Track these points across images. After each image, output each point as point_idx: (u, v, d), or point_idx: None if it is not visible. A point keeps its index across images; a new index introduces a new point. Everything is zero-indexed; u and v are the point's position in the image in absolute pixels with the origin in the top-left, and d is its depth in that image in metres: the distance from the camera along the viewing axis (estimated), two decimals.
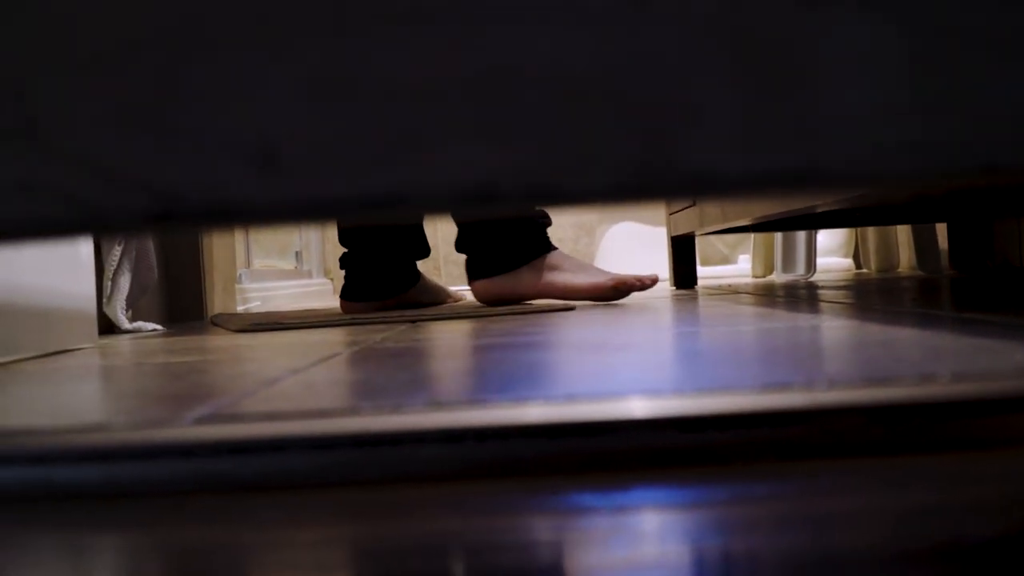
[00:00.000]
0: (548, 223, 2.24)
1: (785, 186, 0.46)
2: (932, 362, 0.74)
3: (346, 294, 2.33)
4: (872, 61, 0.47)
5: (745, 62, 0.46)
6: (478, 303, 2.26)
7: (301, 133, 0.45)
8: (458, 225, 2.26)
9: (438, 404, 0.62)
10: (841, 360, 0.84)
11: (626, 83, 0.44)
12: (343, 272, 2.35)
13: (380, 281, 2.33)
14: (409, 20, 0.44)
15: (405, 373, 0.90)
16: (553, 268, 2.19)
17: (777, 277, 3.64)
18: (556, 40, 0.45)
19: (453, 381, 0.82)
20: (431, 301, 2.43)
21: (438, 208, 0.45)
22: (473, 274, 2.24)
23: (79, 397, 0.89)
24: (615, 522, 0.50)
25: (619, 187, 0.44)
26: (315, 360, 1.07)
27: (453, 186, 0.45)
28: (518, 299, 2.20)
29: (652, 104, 0.45)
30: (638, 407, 0.59)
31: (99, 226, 0.45)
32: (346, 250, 2.36)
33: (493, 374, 0.86)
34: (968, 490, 0.53)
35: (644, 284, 2.16)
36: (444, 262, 5.04)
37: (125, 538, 0.53)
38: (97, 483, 0.59)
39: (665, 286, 2.99)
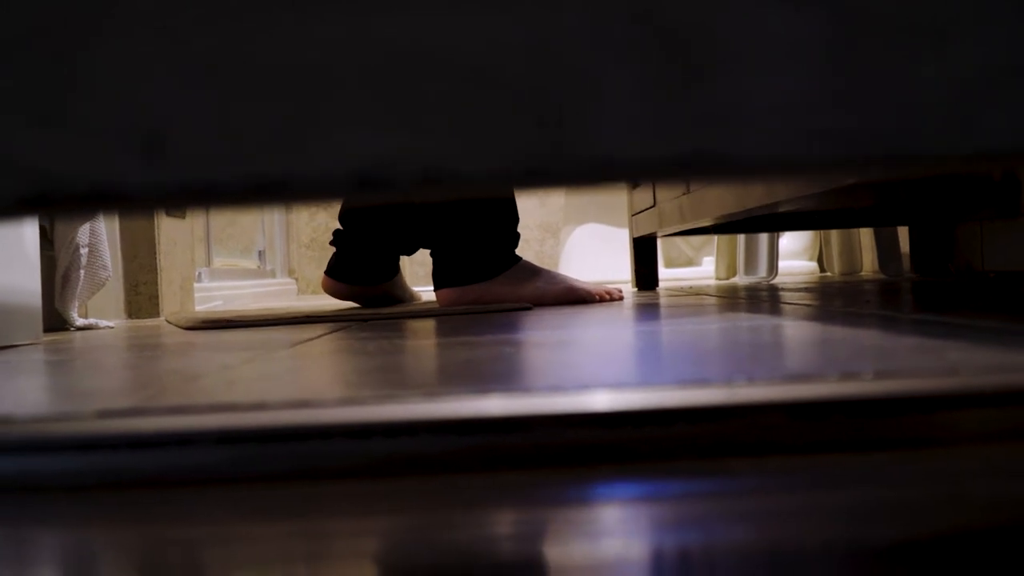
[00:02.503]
0: (518, 238, 2.23)
1: (690, 173, 0.45)
2: (861, 361, 0.73)
3: (331, 272, 2.37)
4: (783, 47, 0.46)
5: (649, 47, 0.44)
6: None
7: (187, 117, 0.43)
8: (430, 224, 2.24)
9: (349, 400, 0.61)
10: (771, 358, 0.83)
11: (524, 66, 0.43)
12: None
13: (364, 267, 2.36)
14: (299, 3, 0.43)
15: (332, 370, 0.89)
16: (521, 279, 2.15)
17: (740, 279, 3.64)
18: (451, 23, 0.43)
19: (375, 377, 0.81)
20: (400, 297, 2.45)
21: (329, 193, 0.44)
22: (440, 282, 2.20)
23: None
24: (530, 520, 0.49)
25: (516, 172, 0.43)
26: (250, 357, 1.05)
27: (344, 171, 0.43)
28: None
29: (550, 88, 0.43)
30: (551, 403, 0.58)
31: None
32: (341, 228, 2.40)
33: (416, 371, 0.85)
34: (884, 491, 0.52)
35: (612, 297, 2.16)
36: (410, 262, 5.03)
37: (20, 532, 0.52)
38: (1, 476, 0.58)
39: (626, 288, 2.97)
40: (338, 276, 2.36)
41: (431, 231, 2.24)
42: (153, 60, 0.44)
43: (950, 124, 0.46)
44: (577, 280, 2.22)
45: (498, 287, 2.15)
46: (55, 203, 0.43)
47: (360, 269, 2.36)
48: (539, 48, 0.43)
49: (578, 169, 0.44)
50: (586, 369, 0.81)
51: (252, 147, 0.44)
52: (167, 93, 0.44)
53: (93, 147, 0.43)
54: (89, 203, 0.43)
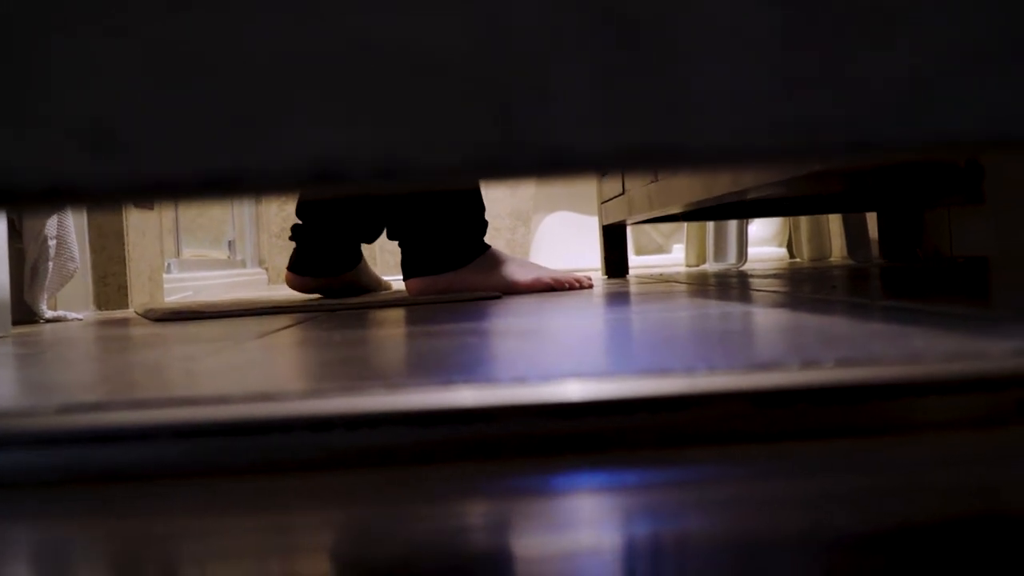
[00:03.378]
0: (486, 225, 2.23)
1: (646, 164, 0.45)
2: (826, 348, 0.73)
3: (293, 267, 2.37)
4: (738, 36, 0.46)
5: (605, 38, 0.44)
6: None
7: (137, 111, 0.43)
8: (396, 215, 2.23)
9: (311, 392, 0.61)
10: (736, 346, 0.83)
11: (477, 58, 0.43)
12: (293, 244, 2.39)
13: (326, 259, 2.35)
14: None
15: (295, 362, 0.88)
16: (491, 267, 2.16)
17: (709, 266, 3.64)
18: (405, 15, 0.43)
19: (337, 369, 0.80)
20: (366, 285, 2.46)
21: (283, 188, 0.43)
22: (409, 271, 2.19)
23: None
24: (493, 511, 0.49)
25: (470, 164, 0.43)
26: (214, 349, 1.05)
27: (298, 165, 0.43)
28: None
29: (504, 80, 0.43)
30: (515, 394, 0.58)
31: None
32: (300, 222, 2.39)
33: (380, 362, 0.85)
34: (847, 479, 0.52)
35: (582, 285, 2.16)
36: (380, 250, 5.01)
37: None
38: None
39: (596, 275, 2.97)
40: (300, 270, 2.36)
41: (397, 221, 2.23)
42: (102, 55, 0.43)
43: (904, 112, 0.46)
44: (546, 268, 2.22)
45: (467, 276, 2.14)
46: (14, 200, 0.43)
47: (321, 261, 2.36)
48: (490, 39, 0.43)
49: (532, 160, 0.44)
50: (552, 359, 0.81)
51: (204, 141, 0.43)
52: (116, 88, 0.43)
53: (48, 143, 0.43)
54: (47, 199, 0.43)
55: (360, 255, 2.43)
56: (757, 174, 1.37)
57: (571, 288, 2.14)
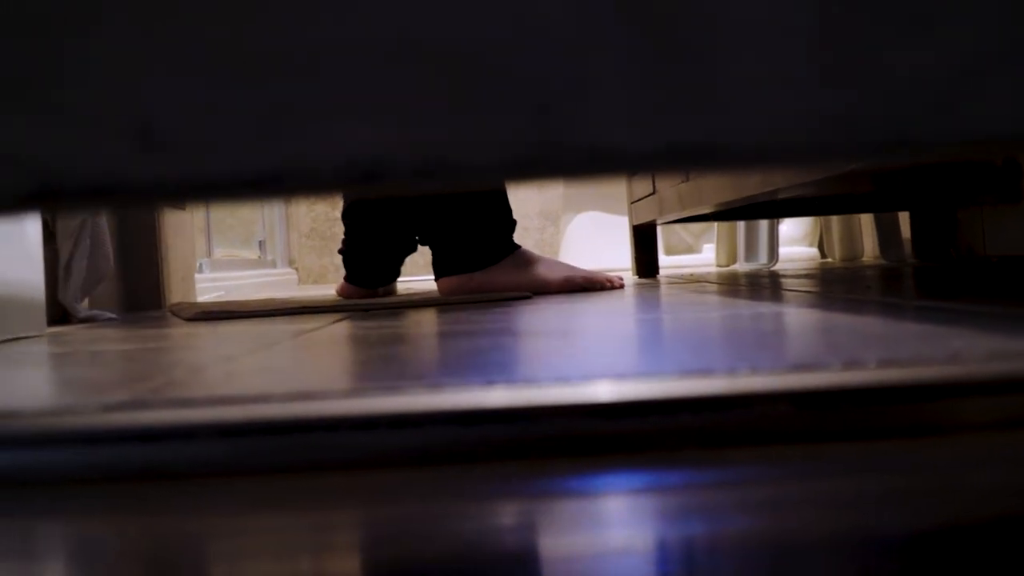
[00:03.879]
0: (514, 224, 2.25)
1: (686, 162, 0.45)
2: (865, 349, 0.73)
3: (351, 278, 2.48)
4: (776, 33, 0.45)
5: (642, 35, 0.44)
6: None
7: (182, 108, 0.43)
8: (426, 218, 2.28)
9: (354, 391, 0.61)
10: (775, 346, 0.83)
11: (516, 56, 0.43)
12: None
13: (374, 272, 2.46)
14: None
15: (335, 361, 0.89)
16: (522, 266, 2.17)
17: (740, 266, 3.63)
18: (444, 12, 0.43)
19: (377, 368, 0.81)
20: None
21: (326, 188, 0.44)
22: (440, 271, 2.23)
23: (1, 384, 0.87)
24: (535, 511, 0.49)
25: (510, 163, 0.43)
26: (252, 348, 1.05)
27: (340, 163, 0.43)
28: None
29: (542, 78, 0.43)
30: (556, 394, 0.58)
31: None
32: (348, 240, 2.50)
33: (419, 361, 0.85)
34: (888, 480, 0.52)
35: (613, 285, 2.15)
36: None
37: (26, 526, 0.52)
38: (4, 470, 0.58)
39: (627, 275, 2.97)
40: (352, 282, 2.48)
41: (427, 225, 2.27)
42: (147, 50, 0.44)
43: (944, 109, 0.46)
44: (577, 268, 2.22)
45: (498, 274, 2.16)
46: (56, 198, 0.43)
47: (368, 274, 2.47)
48: (527, 37, 0.43)
49: (570, 160, 0.44)
50: (589, 359, 0.81)
51: (249, 140, 0.43)
52: (161, 85, 0.44)
53: (92, 141, 0.43)
54: (89, 198, 0.43)
55: (399, 270, 2.52)
56: (789, 174, 1.36)
57: (602, 288, 2.13)
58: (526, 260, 2.19)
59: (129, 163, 0.43)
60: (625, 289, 2.13)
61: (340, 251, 2.53)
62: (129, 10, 0.44)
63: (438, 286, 2.23)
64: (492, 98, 0.43)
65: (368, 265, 2.47)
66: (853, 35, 0.45)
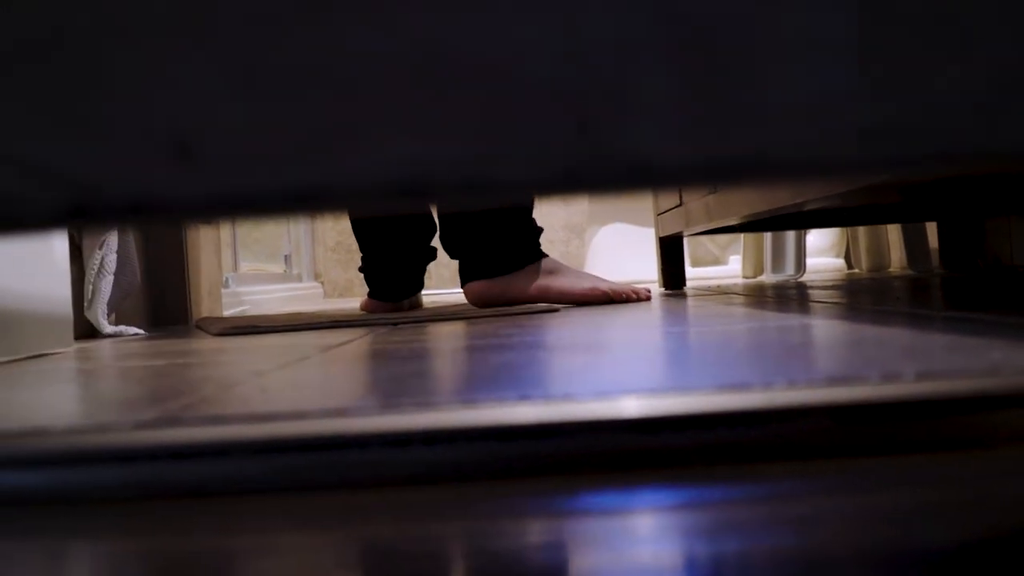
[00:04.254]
0: (540, 230, 2.27)
1: (730, 177, 0.44)
2: (900, 361, 0.72)
3: (374, 294, 2.52)
4: (821, 46, 0.45)
5: (685, 48, 0.44)
6: (470, 305, 2.25)
7: (221, 124, 0.43)
8: (450, 229, 2.30)
9: (387, 407, 0.60)
10: (808, 360, 0.82)
11: (559, 70, 0.43)
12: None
13: (395, 285, 2.50)
14: (330, 8, 0.42)
15: (366, 376, 0.88)
16: (548, 273, 2.19)
17: (767, 278, 3.62)
18: (487, 26, 0.43)
19: (409, 384, 0.80)
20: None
21: (368, 202, 0.43)
22: (467, 276, 2.24)
23: (31, 401, 0.87)
24: (569, 527, 0.49)
25: (553, 178, 0.43)
26: (282, 363, 1.05)
27: (383, 179, 0.43)
28: (511, 302, 2.18)
29: (586, 92, 0.43)
30: (591, 409, 0.57)
31: (12, 221, 0.43)
32: (364, 256, 2.55)
33: (450, 376, 0.84)
34: (927, 494, 0.51)
35: (639, 297, 2.16)
36: (436, 264, 5.02)
37: (58, 545, 0.51)
38: (36, 489, 0.58)
39: (654, 287, 2.97)
40: (376, 297, 2.51)
41: (453, 236, 2.28)
42: (185, 65, 0.43)
43: (985, 121, 0.46)
44: (603, 279, 2.23)
45: (523, 279, 2.19)
46: (93, 215, 0.43)
47: (391, 288, 2.51)
48: (569, 51, 0.43)
49: (613, 174, 0.44)
50: (622, 373, 0.80)
51: (287, 156, 0.43)
52: (199, 100, 0.43)
53: (132, 157, 0.43)
54: (130, 213, 0.43)
55: (422, 280, 2.57)
56: (817, 185, 1.35)
57: (628, 300, 2.14)
58: (551, 268, 2.20)
59: (166, 179, 0.43)
60: (653, 301, 2.12)
61: (360, 268, 2.58)
62: (167, 24, 0.43)
63: (464, 292, 2.26)
64: (532, 113, 0.43)
65: (389, 278, 2.50)
66: (900, 49, 0.45)
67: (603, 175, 0.43)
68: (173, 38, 0.43)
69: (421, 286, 2.57)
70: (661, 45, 0.44)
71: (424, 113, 0.43)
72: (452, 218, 2.27)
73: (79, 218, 0.43)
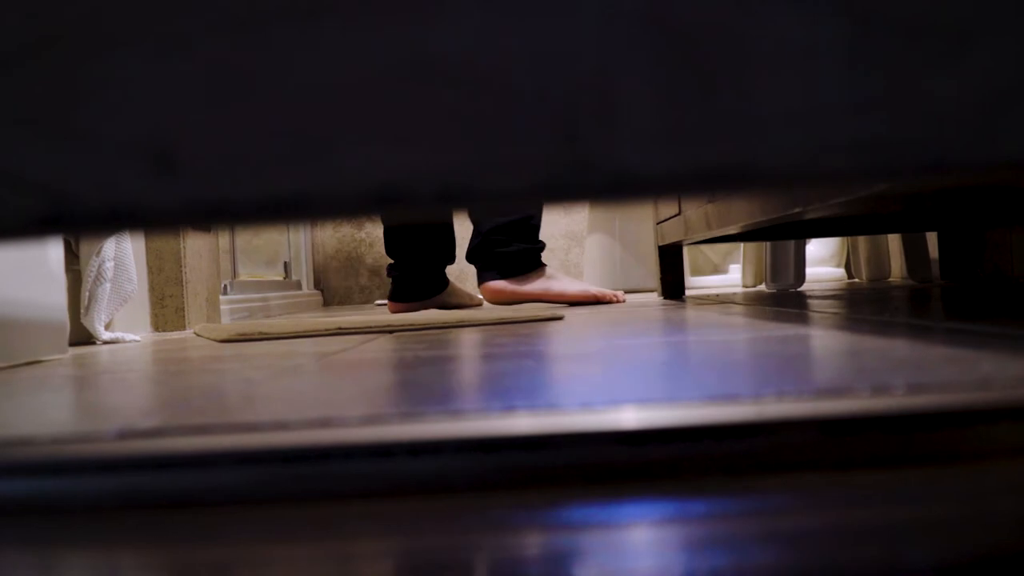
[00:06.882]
0: (544, 245, 2.92)
1: (716, 186, 0.44)
2: (893, 373, 0.72)
3: (393, 297, 3.03)
4: (809, 55, 0.45)
5: (671, 57, 0.43)
6: (489, 303, 2.91)
7: (198, 134, 0.42)
8: (477, 242, 2.91)
9: (372, 418, 0.60)
10: (801, 371, 0.82)
11: (540, 79, 0.42)
12: (390, 279, 3.09)
13: (419, 286, 3.01)
14: (309, 16, 0.42)
15: (357, 385, 0.88)
16: (548, 278, 2.85)
17: (766, 287, 3.62)
18: (466, 35, 0.42)
19: (399, 394, 0.80)
20: (457, 303, 3.07)
21: (346, 211, 0.43)
22: (483, 278, 2.89)
23: (17, 409, 0.87)
24: (555, 540, 0.48)
25: (534, 187, 0.42)
26: (275, 373, 1.05)
27: (360, 188, 0.42)
28: (521, 299, 2.84)
29: (568, 101, 0.42)
30: (577, 420, 0.57)
31: None
32: (392, 261, 3.04)
33: (439, 385, 0.84)
34: (918, 509, 0.51)
35: (617, 300, 2.83)
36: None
37: (43, 554, 0.51)
38: (19, 498, 0.57)
39: (653, 296, 2.96)
40: (399, 299, 3.01)
41: (480, 244, 2.91)
42: (164, 74, 0.43)
43: (978, 131, 0.45)
44: (590, 286, 2.90)
45: (529, 282, 2.84)
46: (71, 223, 0.42)
47: (414, 288, 3.01)
48: (553, 60, 0.42)
49: (597, 184, 0.43)
50: (614, 384, 0.80)
51: (266, 164, 0.43)
52: (177, 109, 0.43)
53: (109, 166, 0.42)
54: (105, 223, 0.42)
55: (446, 280, 3.06)
56: (816, 194, 1.35)
57: (610, 302, 2.80)
58: (551, 274, 2.87)
59: (145, 188, 0.42)
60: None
61: (388, 273, 3.04)
62: (147, 35, 0.43)
63: (481, 291, 2.90)
64: (517, 122, 0.42)
65: (416, 280, 2.99)
66: (889, 59, 0.44)
67: (585, 184, 0.43)
68: (150, 47, 0.42)
69: (446, 284, 3.04)
70: (646, 56, 0.43)
71: (403, 123, 0.42)
72: (480, 234, 2.88)
73: (55, 226, 0.42)
